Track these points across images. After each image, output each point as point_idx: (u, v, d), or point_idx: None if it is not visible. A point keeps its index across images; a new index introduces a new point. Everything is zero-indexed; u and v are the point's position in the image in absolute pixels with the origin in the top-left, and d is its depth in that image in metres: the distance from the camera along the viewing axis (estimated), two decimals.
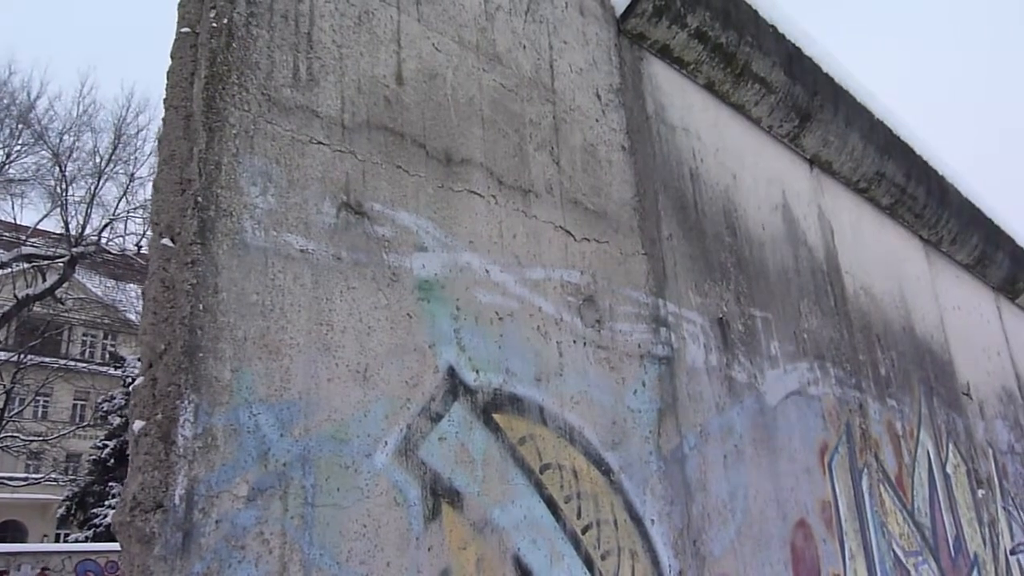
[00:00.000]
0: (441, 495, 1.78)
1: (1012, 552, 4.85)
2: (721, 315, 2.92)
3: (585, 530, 2.07)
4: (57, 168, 16.28)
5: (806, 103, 3.77)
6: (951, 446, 4.52)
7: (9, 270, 16.15)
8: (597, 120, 2.67)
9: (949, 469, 4.38)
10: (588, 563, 2.04)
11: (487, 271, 2.07)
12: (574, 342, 2.25)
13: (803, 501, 3.01)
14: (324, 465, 1.61)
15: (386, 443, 1.71)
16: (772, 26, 3.56)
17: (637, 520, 2.24)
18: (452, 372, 1.89)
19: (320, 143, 1.82)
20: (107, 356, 26.61)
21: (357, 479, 1.65)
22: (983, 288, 6.17)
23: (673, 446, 2.46)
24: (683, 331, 2.69)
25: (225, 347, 1.53)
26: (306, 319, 1.67)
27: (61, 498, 20.88)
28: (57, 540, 22.37)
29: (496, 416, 1.96)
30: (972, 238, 5.65)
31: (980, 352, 5.61)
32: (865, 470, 3.52)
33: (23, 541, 22.30)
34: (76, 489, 20.34)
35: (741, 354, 2.95)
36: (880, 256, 4.51)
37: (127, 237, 17.08)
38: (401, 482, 1.71)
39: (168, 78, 1.69)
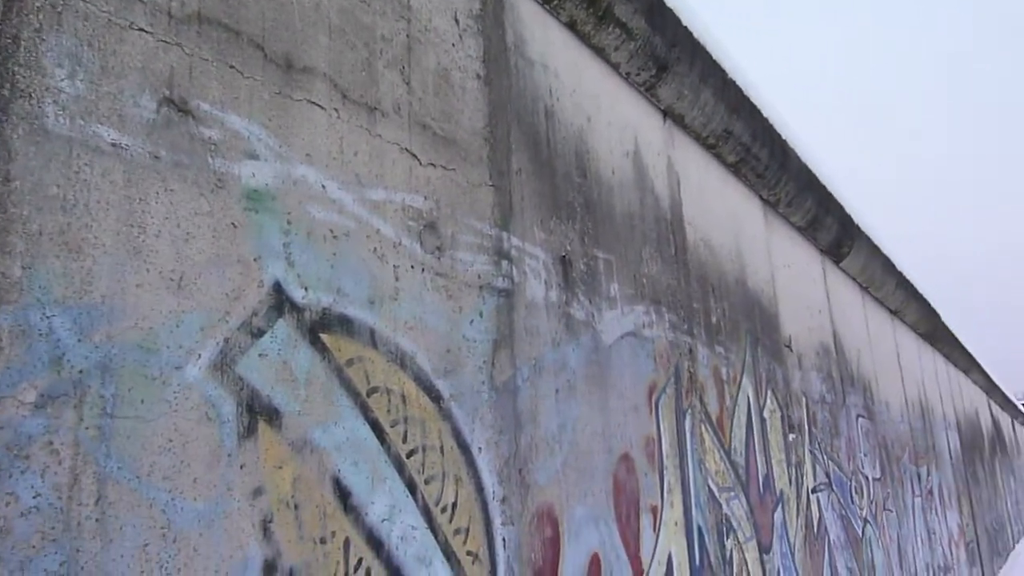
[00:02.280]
0: (258, 413, 1.71)
1: (813, 491, 5.30)
2: (565, 253, 2.96)
3: (410, 455, 2.07)
4: None
5: (664, 54, 3.83)
6: (770, 393, 4.85)
7: None
8: (453, 45, 2.60)
9: (766, 414, 4.71)
10: (411, 487, 2.05)
11: (324, 187, 1.99)
12: (412, 267, 2.21)
13: (629, 436, 3.14)
14: (127, 375, 1.51)
15: (200, 356, 1.62)
16: None
17: (464, 447, 2.26)
18: (278, 287, 1.81)
19: (142, 30, 1.67)
20: None
21: (165, 391, 1.56)
22: (812, 250, 6.60)
23: (506, 377, 2.49)
24: (525, 266, 2.70)
25: (16, 241, 1.39)
26: (115, 219, 1.54)
27: None
28: None
29: (324, 336, 1.90)
30: (807, 202, 6.01)
31: (804, 309, 6.02)
32: (689, 411, 3.72)
33: None
34: None
35: (581, 293, 3.01)
36: (722, 211, 4.72)
37: None
38: (214, 397, 1.63)
39: None
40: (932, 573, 8.89)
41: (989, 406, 21.09)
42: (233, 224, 1.75)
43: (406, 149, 2.29)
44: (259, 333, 1.75)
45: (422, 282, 2.24)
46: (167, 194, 1.64)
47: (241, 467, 1.66)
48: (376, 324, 2.05)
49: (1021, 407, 31.55)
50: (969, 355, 15.69)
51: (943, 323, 12.21)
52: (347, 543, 1.84)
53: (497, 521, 2.33)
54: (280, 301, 1.81)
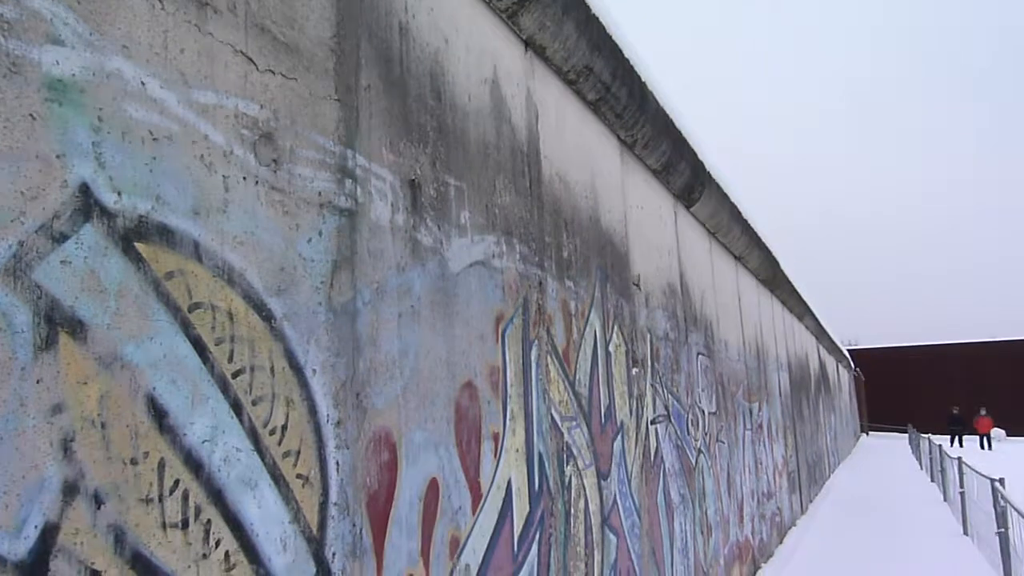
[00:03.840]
0: (59, 324, 1.57)
1: (652, 422, 5.55)
2: (414, 177, 2.89)
3: (236, 374, 1.98)
4: None
5: None
6: (616, 328, 5.00)
7: None
8: None
9: (611, 348, 4.86)
10: (236, 407, 1.96)
11: (143, 84, 1.82)
12: (244, 179, 2.08)
13: (473, 365, 3.15)
14: None
15: None
16: None
17: (297, 369, 2.19)
18: (86, 190, 1.66)
19: None
20: None
21: None
22: (665, 193, 6.80)
23: (346, 299, 2.42)
24: (371, 186, 2.62)
25: None
26: None
27: None
28: None
29: (139, 245, 1.76)
30: (662, 145, 6.16)
31: (654, 250, 6.22)
32: (536, 342, 3.77)
33: None
34: None
35: (430, 219, 2.96)
36: (579, 148, 4.75)
37: None
38: (6, 305, 1.48)
39: None
40: (757, 499, 9.62)
41: (818, 350, 22.82)
42: (31, 116, 1.57)
43: (241, 52, 2.13)
44: (61, 238, 1.60)
45: (255, 195, 2.11)
46: None
47: (37, 381, 1.52)
48: (201, 236, 1.93)
49: (846, 352, 34.38)
50: (803, 302, 16.84)
51: (782, 271, 13.00)
52: (162, 464, 1.74)
53: (331, 444, 2.28)
54: (87, 205, 1.66)
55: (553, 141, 4.33)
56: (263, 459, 2.03)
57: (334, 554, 2.24)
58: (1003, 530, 7.81)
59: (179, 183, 1.89)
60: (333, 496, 2.27)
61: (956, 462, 12.53)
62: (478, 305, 3.25)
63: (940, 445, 17.36)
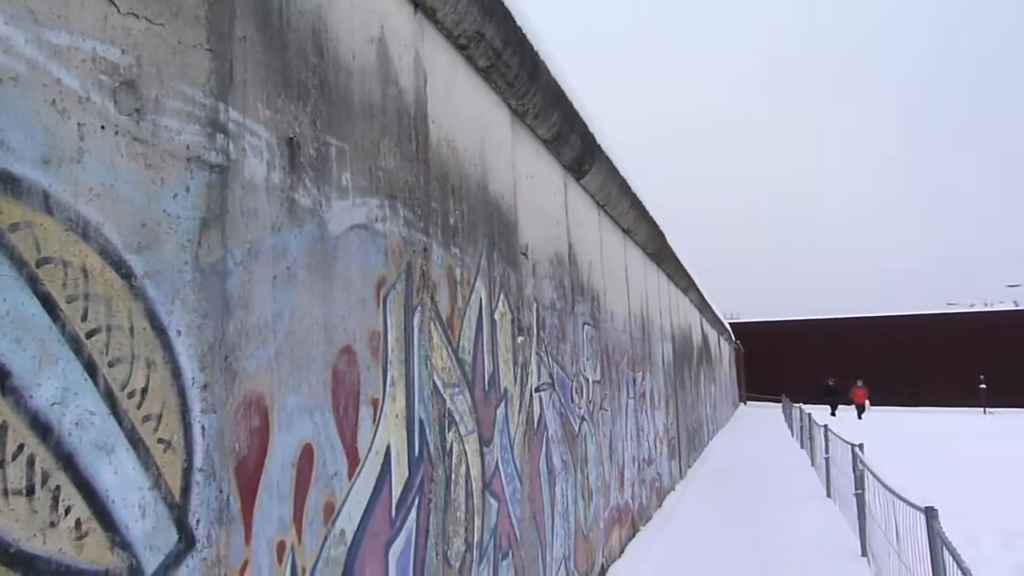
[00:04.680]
0: None
1: (536, 390, 5.64)
2: (293, 135, 2.80)
3: (91, 334, 1.87)
4: None
5: None
6: (502, 296, 5.03)
7: None
8: None
9: (496, 316, 4.89)
10: (91, 368, 1.86)
11: None
12: (102, 128, 1.96)
13: (352, 329, 3.11)
14: None
15: None
16: None
17: (160, 330, 2.09)
18: None
19: None
20: None
21: None
22: (555, 164, 6.86)
23: (215, 259, 2.33)
24: (245, 142, 2.52)
25: None
26: None
27: None
28: None
29: None
30: (553, 116, 6.19)
31: (543, 220, 6.27)
32: (419, 308, 3.75)
33: None
34: None
35: (309, 179, 2.88)
36: (469, 114, 4.72)
37: None
38: None
39: None
40: (638, 465, 9.95)
41: (701, 322, 23.69)
42: None
43: None
44: None
45: (115, 146, 2.00)
46: None
47: None
48: (52, 187, 1.81)
49: (727, 325, 35.84)
50: (688, 276, 17.41)
51: (669, 245, 13.39)
52: (3, 427, 1.64)
53: (196, 408, 2.20)
54: None
55: (442, 106, 4.29)
56: (120, 423, 1.94)
57: (198, 520, 2.18)
58: (860, 491, 8.36)
59: (26, 128, 1.76)
60: (198, 461, 2.19)
61: (823, 429, 13.31)
62: (359, 269, 3.19)
63: (810, 414, 18.39)
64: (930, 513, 4.59)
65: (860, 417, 33.35)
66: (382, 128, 3.52)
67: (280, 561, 2.53)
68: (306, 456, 2.72)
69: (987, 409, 39.76)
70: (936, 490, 11.59)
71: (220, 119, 2.41)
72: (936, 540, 4.38)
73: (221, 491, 2.28)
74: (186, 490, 2.15)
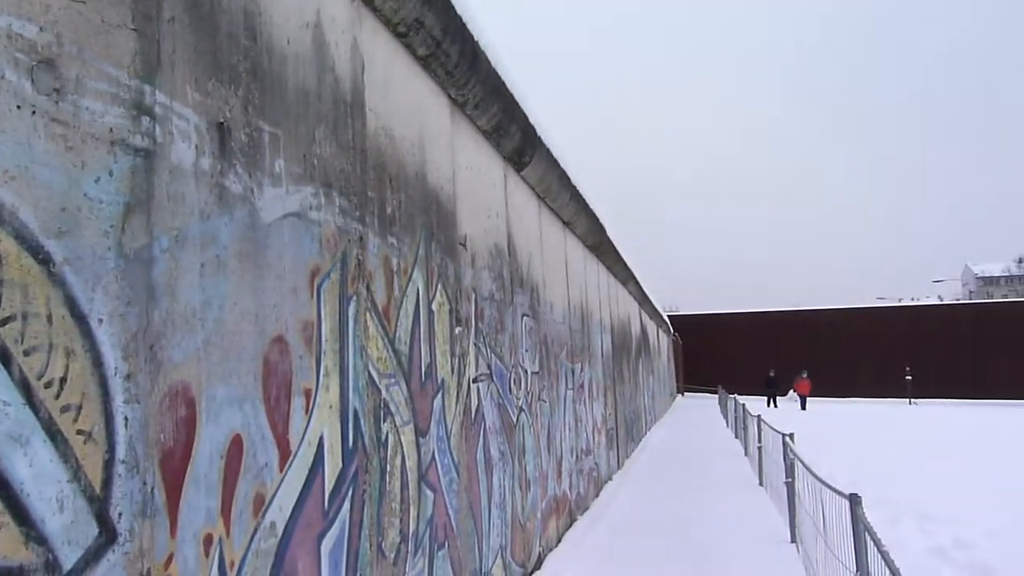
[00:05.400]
0: None
1: (474, 380, 5.64)
2: (223, 120, 2.74)
3: (5, 321, 1.81)
4: None
5: None
6: (440, 287, 5.01)
7: None
8: None
9: (434, 307, 4.87)
10: (4, 357, 1.79)
11: None
12: (18, 107, 1.89)
13: (284, 319, 3.06)
14: None
15: None
16: None
17: (80, 318, 2.03)
18: None
19: None
20: None
21: None
22: (495, 155, 6.86)
23: (140, 245, 2.26)
24: (172, 126, 2.45)
25: None
26: None
27: None
28: None
29: None
30: (493, 107, 6.18)
31: (482, 211, 6.27)
32: (355, 298, 3.71)
33: None
34: None
35: (240, 165, 2.82)
36: (407, 103, 4.68)
37: None
38: None
39: None
40: (575, 455, 10.05)
41: (640, 314, 24.01)
42: None
43: None
44: None
45: (32, 126, 1.93)
46: None
47: None
48: None
49: (666, 317, 36.38)
50: (628, 268, 17.62)
51: (609, 238, 13.52)
52: None
53: (119, 399, 2.15)
54: None
55: (380, 94, 4.24)
56: (37, 413, 1.88)
57: (120, 514, 2.12)
58: (790, 480, 8.59)
59: None
60: (120, 453, 2.14)
61: (756, 420, 13.63)
62: (292, 258, 3.15)
63: (744, 404, 18.81)
64: (853, 500, 4.75)
65: (804, 408, 33.20)
66: (317, 115, 3.47)
67: (207, 554, 2.49)
68: (235, 447, 2.68)
69: (913, 400, 41.25)
70: (863, 477, 12.00)
71: (146, 102, 2.34)
72: (859, 525, 4.54)
73: (145, 483, 2.23)
74: (107, 483, 2.09)
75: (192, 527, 2.43)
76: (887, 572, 3.80)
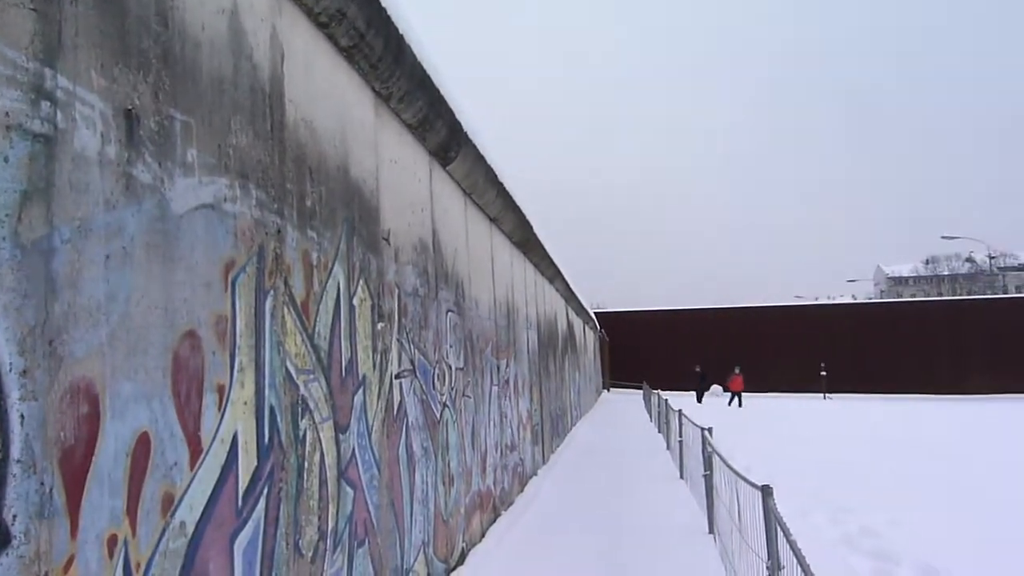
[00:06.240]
0: None
1: (397, 376, 5.60)
2: (132, 107, 2.64)
3: None
4: None
5: None
6: (362, 282, 4.96)
7: None
8: None
9: (355, 302, 4.81)
10: None
11: None
12: None
13: (197, 313, 2.98)
14: None
15: None
16: None
17: None
18: None
19: None
20: None
21: None
22: (421, 150, 6.81)
23: (39, 236, 2.17)
24: (75, 112, 2.36)
25: None
26: None
27: None
28: None
29: None
30: (418, 101, 6.14)
31: (406, 206, 6.22)
32: (272, 292, 3.64)
33: None
34: None
35: (149, 154, 2.73)
36: (329, 95, 4.61)
37: None
38: None
39: None
40: (500, 451, 10.08)
41: (567, 311, 24.23)
42: None
43: None
44: None
45: None
46: None
47: None
48: None
49: (592, 314, 36.81)
50: (555, 265, 17.75)
51: (535, 235, 13.59)
52: None
53: (14, 395, 2.05)
54: None
55: (300, 85, 4.17)
56: None
57: (15, 516, 2.03)
58: (708, 472, 8.80)
59: None
60: (15, 452, 2.05)
61: (677, 414, 13.91)
62: (205, 250, 3.06)
63: (667, 399, 19.18)
64: (765, 491, 4.89)
65: (740, 404, 32.86)
66: (234, 104, 3.39)
67: (111, 556, 2.41)
68: (142, 445, 2.59)
69: (827, 394, 42.78)
70: (778, 469, 12.38)
71: (46, 85, 2.24)
72: (770, 516, 4.68)
73: (43, 483, 2.14)
74: (1, 483, 2.00)
75: (95, 528, 2.34)
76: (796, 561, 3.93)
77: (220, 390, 3.11)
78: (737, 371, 35.38)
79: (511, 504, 10.52)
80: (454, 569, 7.00)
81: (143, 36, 2.75)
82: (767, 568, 4.67)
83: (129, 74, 2.65)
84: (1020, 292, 79.06)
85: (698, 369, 37.81)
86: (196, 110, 3.07)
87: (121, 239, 2.54)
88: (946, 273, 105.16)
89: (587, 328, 34.38)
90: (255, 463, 3.37)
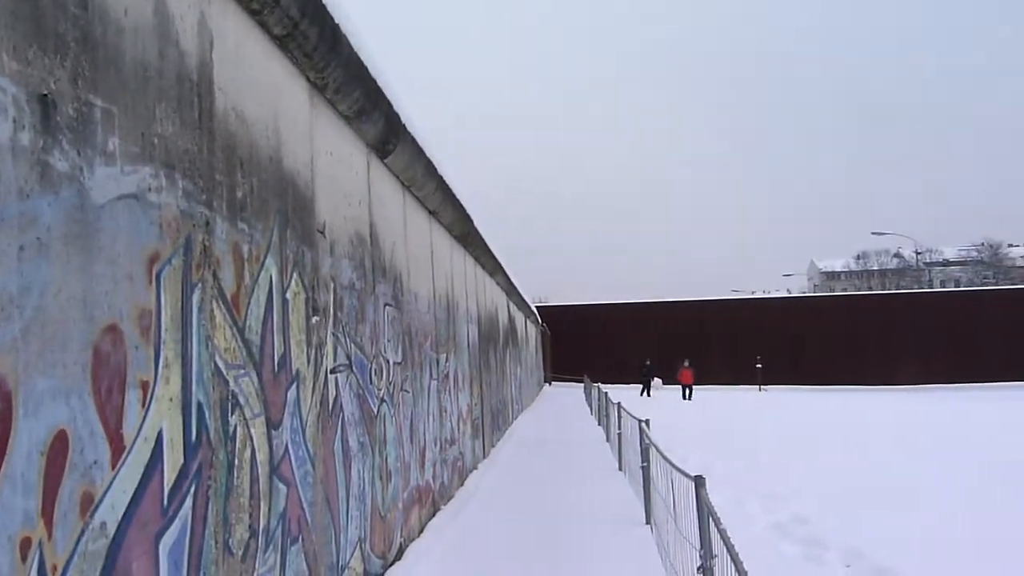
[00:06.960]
0: None
1: (332, 371, 5.53)
2: (47, 92, 2.54)
3: None
4: None
5: None
6: (296, 275, 4.87)
7: None
8: None
9: (289, 295, 4.73)
10: None
11: None
12: None
13: (119, 307, 2.88)
14: None
15: None
16: None
17: None
18: None
19: None
20: None
21: None
22: (358, 142, 6.73)
23: None
24: None
25: None
26: None
27: None
28: None
29: None
30: (355, 92, 6.06)
31: (343, 198, 6.14)
32: (200, 285, 3.54)
33: None
34: None
35: (67, 141, 2.62)
36: (261, 84, 4.51)
37: None
38: None
39: None
40: (440, 445, 10.04)
41: (508, 305, 24.27)
42: None
43: None
44: None
45: None
46: None
47: None
48: None
49: (534, 308, 36.94)
50: (495, 259, 17.75)
51: (475, 228, 13.56)
52: None
53: None
54: None
55: (230, 73, 4.06)
56: None
57: None
58: (646, 464, 8.91)
59: None
60: None
61: (616, 407, 14.06)
62: (127, 242, 2.96)
63: (607, 392, 19.37)
64: (698, 481, 4.97)
65: (689, 398, 32.74)
66: (159, 92, 3.29)
67: (24, 559, 2.31)
68: (59, 444, 2.50)
69: (762, 387, 43.79)
70: (714, 459, 12.62)
71: None
72: (703, 506, 4.76)
73: None
74: None
75: (7, 531, 2.25)
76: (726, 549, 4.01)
77: (144, 386, 3.02)
78: (686, 364, 35.04)
79: (451, 498, 10.50)
80: (392, 565, 6.95)
81: (60, 18, 2.64)
82: (700, 557, 4.76)
83: (44, 58, 2.54)
84: (945, 287, 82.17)
85: (648, 363, 37.81)
86: (119, 97, 2.97)
87: (36, 229, 2.44)
88: (876, 268, 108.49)
89: (529, 322, 34.51)
90: (182, 460, 3.28)
